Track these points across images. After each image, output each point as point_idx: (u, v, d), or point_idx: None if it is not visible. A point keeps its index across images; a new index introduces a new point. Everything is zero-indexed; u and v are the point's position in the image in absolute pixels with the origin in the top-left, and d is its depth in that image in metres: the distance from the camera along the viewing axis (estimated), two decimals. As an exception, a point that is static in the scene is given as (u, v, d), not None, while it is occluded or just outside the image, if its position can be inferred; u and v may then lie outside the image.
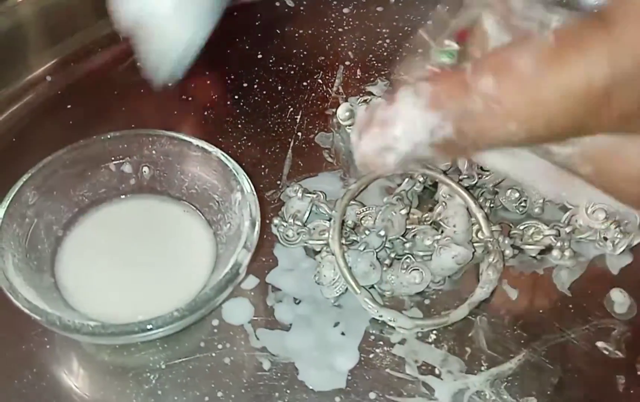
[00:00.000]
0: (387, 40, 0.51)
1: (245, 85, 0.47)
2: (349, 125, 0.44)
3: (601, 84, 0.20)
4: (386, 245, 0.37)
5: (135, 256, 0.36)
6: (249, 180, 0.35)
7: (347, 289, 0.35)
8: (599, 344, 0.35)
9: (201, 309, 0.32)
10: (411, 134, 0.22)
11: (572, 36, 0.21)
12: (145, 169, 0.38)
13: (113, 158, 0.38)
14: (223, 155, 0.36)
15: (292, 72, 0.48)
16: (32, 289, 0.32)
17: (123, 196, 0.38)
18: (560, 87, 0.21)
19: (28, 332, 0.35)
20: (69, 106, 0.46)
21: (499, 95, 0.21)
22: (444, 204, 0.38)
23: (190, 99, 0.46)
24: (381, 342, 0.35)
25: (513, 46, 0.22)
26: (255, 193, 0.35)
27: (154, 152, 0.38)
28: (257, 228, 0.34)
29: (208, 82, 0.47)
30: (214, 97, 0.46)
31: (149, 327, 0.31)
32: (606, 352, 0.34)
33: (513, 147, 0.23)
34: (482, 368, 0.34)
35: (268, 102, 0.46)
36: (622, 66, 0.20)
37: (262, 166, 0.42)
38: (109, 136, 0.37)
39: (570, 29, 0.21)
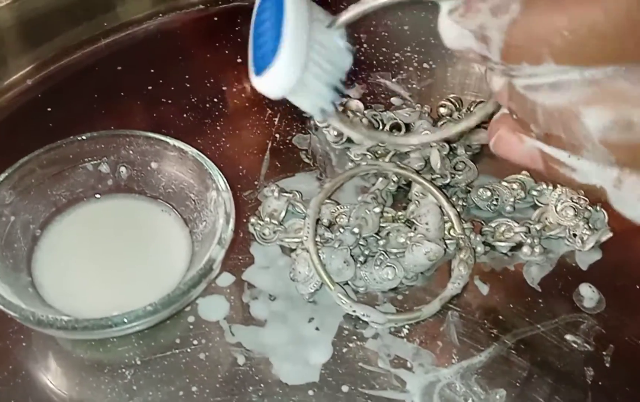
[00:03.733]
0: (365, 45, 0.51)
1: (224, 88, 0.48)
2: (325, 127, 0.44)
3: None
4: (360, 242, 0.37)
5: (113, 255, 0.37)
6: (224, 178, 0.36)
7: (321, 285, 0.36)
8: (568, 337, 0.35)
9: (174, 303, 0.32)
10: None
11: None
12: (123, 169, 0.38)
13: (90, 158, 0.38)
14: (199, 154, 0.37)
15: (270, 75, 0.49)
16: (8, 286, 0.33)
17: (100, 196, 0.38)
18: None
19: (4, 329, 0.35)
20: (49, 109, 0.46)
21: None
22: (417, 202, 0.39)
23: (169, 101, 0.47)
24: (354, 337, 0.35)
25: None
26: (229, 190, 0.35)
27: (131, 152, 0.38)
28: (231, 224, 0.34)
29: (187, 85, 0.48)
30: (193, 100, 0.47)
31: (122, 321, 0.31)
32: (575, 345, 0.35)
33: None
34: (453, 361, 0.34)
35: (246, 104, 0.47)
36: None
37: (240, 167, 0.43)
38: (86, 136, 0.37)
39: None
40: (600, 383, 0.34)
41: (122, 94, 0.47)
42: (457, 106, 0.45)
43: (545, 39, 0.20)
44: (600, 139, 0.21)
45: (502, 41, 0.21)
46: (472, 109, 0.44)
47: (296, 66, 0.25)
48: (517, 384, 0.34)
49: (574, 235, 0.39)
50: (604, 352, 0.35)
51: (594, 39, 0.20)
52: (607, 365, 0.34)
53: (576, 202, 0.39)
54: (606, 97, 0.20)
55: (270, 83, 0.25)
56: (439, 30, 0.23)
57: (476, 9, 0.21)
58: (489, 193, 0.40)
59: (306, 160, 0.43)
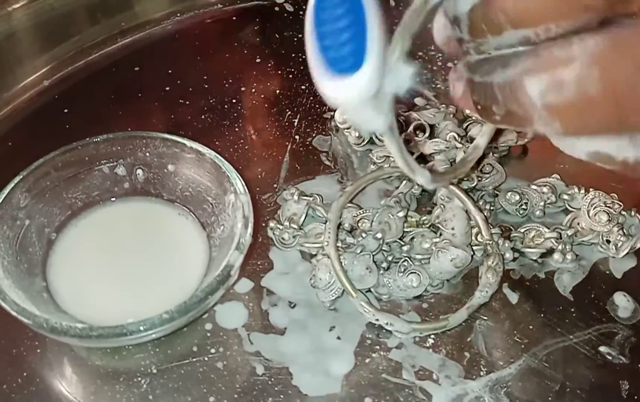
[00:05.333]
0: (387, 44, 0.50)
1: (243, 89, 0.47)
2: (347, 129, 0.43)
3: None
4: (383, 248, 0.36)
5: (129, 260, 0.36)
6: (242, 181, 0.35)
7: (343, 292, 0.35)
8: (602, 349, 0.34)
9: (191, 311, 0.31)
10: None
11: None
12: (139, 171, 0.38)
13: (106, 160, 0.37)
14: (216, 156, 0.36)
15: (290, 75, 0.48)
16: (22, 292, 0.32)
17: (116, 199, 0.38)
18: None
19: (19, 336, 0.34)
20: (65, 110, 0.45)
21: None
22: (442, 206, 0.37)
23: (187, 103, 0.46)
24: (377, 347, 0.34)
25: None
26: (248, 194, 0.34)
27: (147, 154, 0.37)
28: (249, 229, 0.33)
29: (206, 86, 0.47)
30: (211, 101, 0.46)
31: (137, 329, 0.30)
32: (609, 358, 0.34)
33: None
34: (481, 373, 0.33)
35: (266, 105, 0.46)
36: None
37: (259, 170, 0.42)
38: (102, 138, 0.37)
39: None
40: (636, 397, 0.32)
41: (139, 94, 0.47)
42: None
43: (500, 7, 0.24)
44: (542, 105, 0.23)
45: (468, 19, 0.25)
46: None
47: (382, 71, 0.22)
48: (549, 399, 0.32)
49: (608, 241, 0.37)
50: (641, 365, 0.33)
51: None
52: (644, 379, 0.33)
53: (610, 207, 0.38)
54: (542, 64, 0.23)
55: (352, 87, 0.22)
56: (433, 32, 0.28)
57: None
58: (517, 197, 0.38)
59: (327, 162, 0.42)
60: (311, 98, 0.46)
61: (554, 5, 0.23)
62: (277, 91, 0.47)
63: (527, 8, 0.24)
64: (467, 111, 0.35)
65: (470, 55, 0.26)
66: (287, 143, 0.43)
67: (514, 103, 0.24)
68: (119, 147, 0.37)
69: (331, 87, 0.23)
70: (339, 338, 0.34)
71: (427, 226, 0.38)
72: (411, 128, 0.42)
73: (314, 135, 0.44)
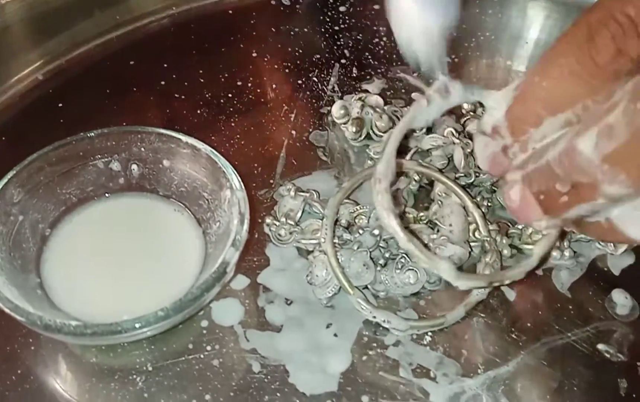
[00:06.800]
0: (384, 39, 0.50)
1: (239, 83, 0.47)
2: (344, 123, 0.43)
3: None
4: (380, 244, 0.36)
5: (124, 256, 0.36)
6: (238, 176, 0.35)
7: (339, 289, 0.35)
8: (600, 346, 0.34)
9: (187, 308, 0.31)
10: None
11: None
12: (134, 166, 0.37)
13: (101, 155, 0.37)
14: (212, 152, 0.35)
15: (287, 70, 0.48)
16: (16, 288, 0.32)
17: (111, 194, 0.37)
18: None
19: (13, 333, 0.34)
20: (60, 105, 0.45)
21: None
22: (440, 202, 0.37)
23: (183, 97, 0.46)
24: (374, 344, 0.34)
25: None
26: (244, 189, 0.34)
27: (142, 149, 0.37)
28: (245, 225, 0.33)
29: (202, 80, 0.47)
30: (207, 95, 0.46)
31: (132, 327, 0.30)
32: (607, 355, 0.33)
33: None
34: (479, 371, 0.33)
35: (262, 100, 0.46)
36: None
37: (255, 165, 0.42)
38: (96, 133, 0.36)
39: None
40: (634, 395, 0.32)
41: (134, 89, 0.46)
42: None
43: (535, 99, 0.25)
44: (600, 158, 0.23)
45: (507, 120, 0.26)
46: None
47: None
48: (547, 397, 0.32)
49: (606, 238, 0.37)
50: (639, 363, 0.33)
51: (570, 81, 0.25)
52: (642, 376, 0.33)
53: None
54: (588, 121, 0.24)
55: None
56: (477, 162, 0.30)
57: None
58: (515, 193, 0.38)
59: (324, 158, 0.42)
60: (308, 93, 0.46)
61: (587, 83, 0.24)
62: (274, 86, 0.47)
63: (561, 93, 0.24)
64: (535, 226, 0.33)
65: (516, 159, 0.27)
66: (284, 138, 0.43)
67: (573, 171, 0.24)
68: (113, 142, 0.37)
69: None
70: (335, 335, 0.34)
71: (425, 222, 0.37)
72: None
73: (310, 130, 0.44)
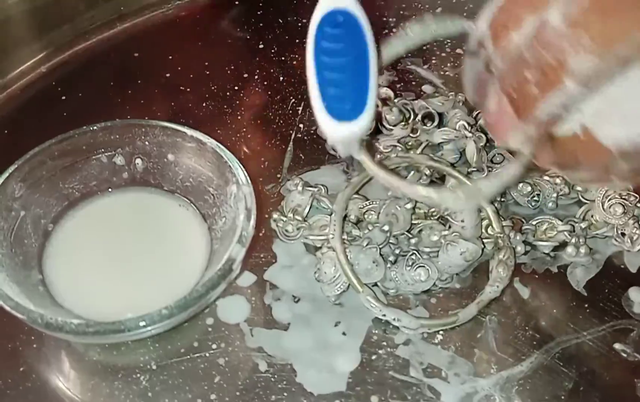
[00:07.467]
0: (394, 30, 0.49)
1: (245, 75, 0.46)
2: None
3: None
4: (390, 241, 0.35)
5: (128, 252, 0.35)
6: (244, 171, 0.34)
7: (348, 286, 0.34)
8: (617, 346, 0.33)
9: (192, 306, 0.30)
10: None
11: None
12: (138, 160, 0.37)
13: (104, 149, 0.36)
14: (218, 146, 0.35)
15: (294, 62, 0.47)
16: (17, 285, 0.31)
17: (115, 189, 0.37)
18: None
19: (14, 330, 0.33)
20: (63, 97, 0.44)
21: None
22: (451, 197, 0.36)
23: (188, 90, 0.45)
24: (384, 343, 0.33)
25: None
26: (250, 184, 0.33)
27: (147, 143, 0.36)
28: (252, 221, 0.32)
29: (207, 73, 0.46)
30: (213, 88, 0.45)
31: (136, 325, 0.29)
32: (624, 355, 0.33)
33: None
34: (492, 371, 0.32)
35: (269, 93, 0.45)
36: None
37: (262, 159, 0.41)
38: (99, 126, 0.36)
39: None
40: (652, 396, 0.32)
41: (138, 81, 0.46)
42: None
43: (515, 3, 0.26)
44: (566, 24, 0.24)
45: (490, 30, 0.27)
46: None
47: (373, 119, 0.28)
48: (562, 397, 0.31)
49: (623, 234, 0.36)
50: (657, 363, 0.33)
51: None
52: (660, 377, 0.32)
53: (625, 199, 0.37)
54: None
55: (350, 132, 0.27)
56: (465, 93, 0.31)
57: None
58: (529, 188, 0.37)
59: (332, 152, 0.41)
60: (316, 85, 0.45)
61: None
62: (281, 78, 0.46)
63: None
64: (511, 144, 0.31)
65: (497, 71, 0.27)
66: (291, 132, 0.42)
67: (542, 47, 0.25)
68: (117, 136, 0.36)
69: (332, 127, 0.28)
70: (344, 334, 0.33)
71: (436, 217, 0.37)
72: (419, 117, 0.41)
73: (318, 123, 0.43)
